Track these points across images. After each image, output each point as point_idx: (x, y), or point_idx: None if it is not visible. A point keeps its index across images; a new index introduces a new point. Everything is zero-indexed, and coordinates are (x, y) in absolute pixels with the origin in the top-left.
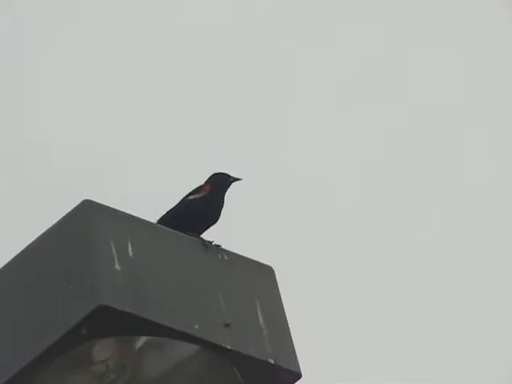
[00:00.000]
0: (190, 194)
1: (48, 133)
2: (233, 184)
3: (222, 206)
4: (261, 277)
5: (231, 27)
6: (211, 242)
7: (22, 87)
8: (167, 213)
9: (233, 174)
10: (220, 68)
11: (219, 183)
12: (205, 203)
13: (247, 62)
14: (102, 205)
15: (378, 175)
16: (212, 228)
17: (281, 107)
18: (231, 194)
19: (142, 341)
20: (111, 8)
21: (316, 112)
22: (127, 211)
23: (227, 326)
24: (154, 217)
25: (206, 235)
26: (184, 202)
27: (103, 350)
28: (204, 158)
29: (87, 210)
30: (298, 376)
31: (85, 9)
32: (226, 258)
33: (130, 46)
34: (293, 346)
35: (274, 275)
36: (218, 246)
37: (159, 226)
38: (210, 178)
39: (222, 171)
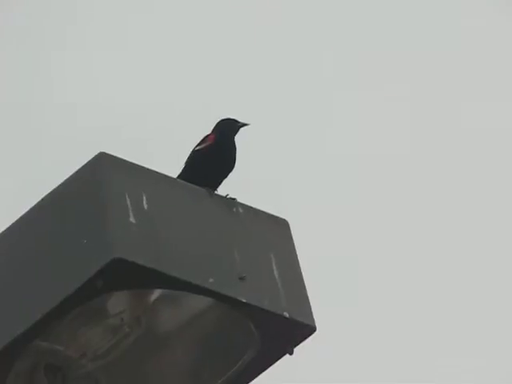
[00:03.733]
0: (197, 145)
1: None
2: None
3: (233, 153)
4: (276, 230)
5: None
6: (226, 195)
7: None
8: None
9: (241, 119)
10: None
11: (225, 130)
12: (209, 153)
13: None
14: (117, 157)
15: None
16: (228, 179)
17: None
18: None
19: (156, 294)
20: None
21: None
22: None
23: (242, 279)
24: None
25: (224, 185)
26: (191, 154)
27: (118, 304)
28: (227, 108)
29: (102, 162)
30: (313, 329)
31: None
32: (240, 210)
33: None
34: (308, 299)
35: (289, 228)
36: (233, 199)
37: (174, 179)
38: (216, 125)
39: (229, 117)
